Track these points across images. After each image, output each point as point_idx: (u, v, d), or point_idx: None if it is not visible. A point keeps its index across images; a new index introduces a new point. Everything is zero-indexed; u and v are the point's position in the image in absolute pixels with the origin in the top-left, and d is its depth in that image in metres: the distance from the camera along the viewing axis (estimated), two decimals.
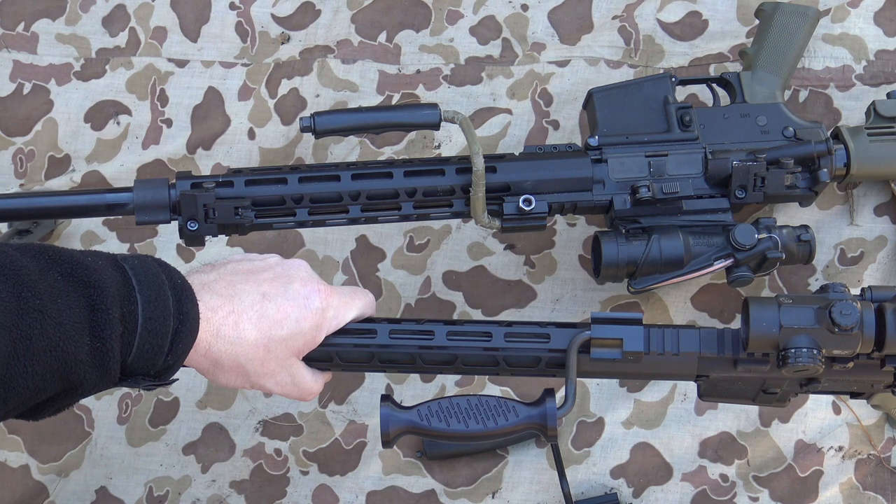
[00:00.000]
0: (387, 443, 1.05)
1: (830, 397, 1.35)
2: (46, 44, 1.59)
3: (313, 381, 1.09)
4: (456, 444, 1.34)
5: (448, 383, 1.40)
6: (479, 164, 1.23)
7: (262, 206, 1.26)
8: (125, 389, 1.41)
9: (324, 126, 1.23)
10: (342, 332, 1.08)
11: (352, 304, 1.08)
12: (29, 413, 0.96)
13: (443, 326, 1.09)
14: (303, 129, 1.24)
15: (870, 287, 1.05)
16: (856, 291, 1.35)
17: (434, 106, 1.24)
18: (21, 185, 1.54)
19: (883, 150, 1.34)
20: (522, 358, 1.08)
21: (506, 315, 1.43)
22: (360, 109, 1.21)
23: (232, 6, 1.59)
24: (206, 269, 1.06)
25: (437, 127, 1.25)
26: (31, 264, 0.92)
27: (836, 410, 1.35)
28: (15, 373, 0.89)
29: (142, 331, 0.95)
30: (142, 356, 0.96)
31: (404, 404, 1.06)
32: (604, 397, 1.38)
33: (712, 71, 1.47)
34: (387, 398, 1.06)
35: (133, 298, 0.95)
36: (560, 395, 1.06)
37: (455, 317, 1.43)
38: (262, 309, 1.03)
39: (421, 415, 1.03)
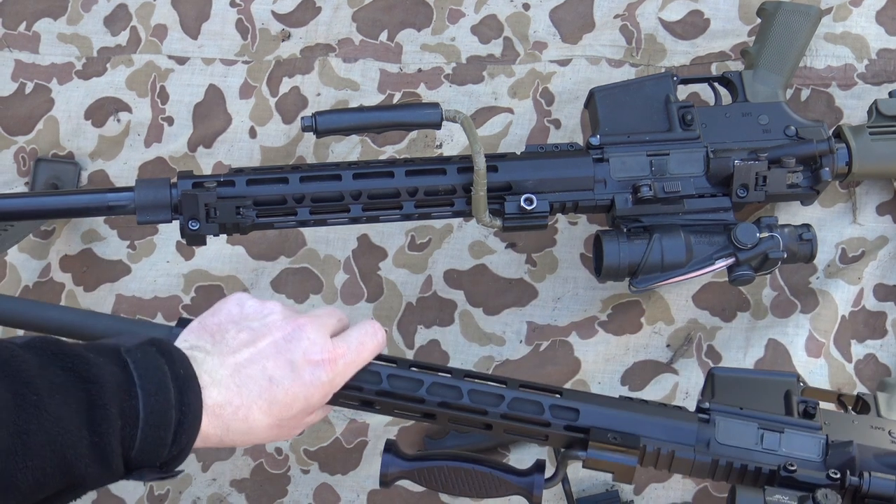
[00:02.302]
0: (384, 483, 1.12)
1: None
2: (48, 43, 1.59)
3: (318, 418, 1.13)
4: (457, 445, 1.35)
5: None
6: (480, 163, 1.23)
7: (263, 206, 1.26)
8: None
9: (325, 125, 1.23)
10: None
11: (360, 360, 1.09)
12: None
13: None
14: (304, 129, 1.24)
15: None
16: (854, 287, 1.37)
17: (435, 105, 1.24)
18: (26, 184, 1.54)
19: (885, 148, 1.34)
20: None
21: (506, 314, 1.43)
22: (361, 109, 1.21)
23: (232, 3, 1.59)
24: (205, 346, 1.05)
25: (438, 126, 1.25)
26: (32, 360, 0.93)
27: None
28: (13, 468, 0.90)
29: (143, 425, 0.96)
30: (145, 449, 0.96)
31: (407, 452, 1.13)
32: None
33: (714, 70, 1.46)
34: (391, 446, 1.12)
35: (133, 393, 0.96)
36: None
37: (456, 316, 1.43)
38: (271, 396, 1.03)
39: (419, 474, 1.12)
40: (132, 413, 0.95)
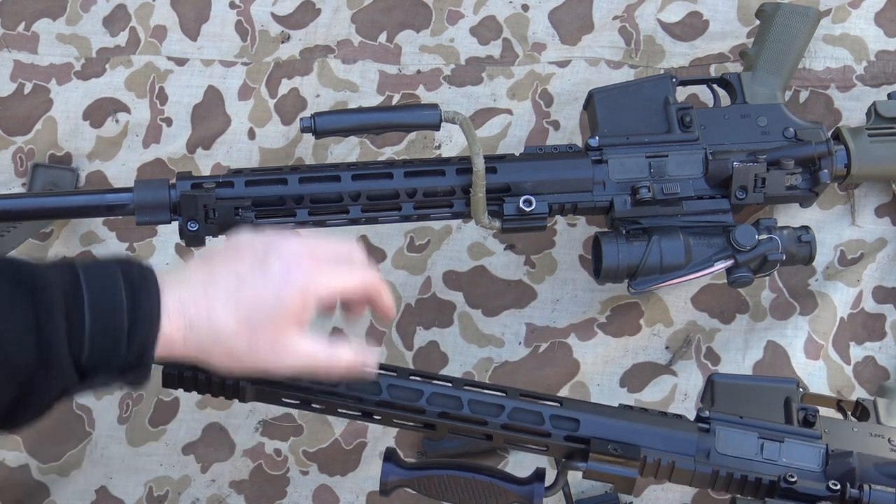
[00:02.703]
0: (384, 492, 1.11)
1: None
2: (47, 44, 1.59)
3: (320, 348, 1.03)
4: (456, 445, 1.35)
5: None
6: (479, 164, 1.23)
7: (262, 207, 1.26)
8: (126, 389, 1.42)
9: (324, 126, 1.23)
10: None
11: (345, 274, 1.04)
12: (4, 423, 0.96)
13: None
14: (303, 130, 1.24)
15: None
16: (853, 289, 1.37)
17: (434, 106, 1.24)
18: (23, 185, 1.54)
19: (884, 150, 1.34)
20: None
21: (505, 316, 1.43)
22: (360, 110, 1.21)
23: (232, 5, 1.59)
24: (194, 260, 1.03)
25: (437, 127, 1.25)
26: None
27: None
28: None
29: (91, 325, 0.94)
30: (95, 354, 0.95)
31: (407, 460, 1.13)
32: (604, 397, 1.38)
33: (713, 71, 1.46)
34: (391, 455, 1.12)
35: (79, 294, 0.94)
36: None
37: (455, 318, 1.43)
38: (238, 295, 0.99)
39: (419, 482, 1.12)
40: (78, 314, 0.94)
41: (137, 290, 0.96)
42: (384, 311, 1.09)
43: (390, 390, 1.11)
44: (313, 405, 1.13)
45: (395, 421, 1.13)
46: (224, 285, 0.99)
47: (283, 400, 1.13)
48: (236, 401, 1.24)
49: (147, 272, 0.98)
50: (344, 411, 1.13)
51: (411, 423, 1.13)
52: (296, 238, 1.03)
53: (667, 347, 1.39)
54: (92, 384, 0.97)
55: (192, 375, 1.11)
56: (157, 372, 1.12)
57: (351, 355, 1.04)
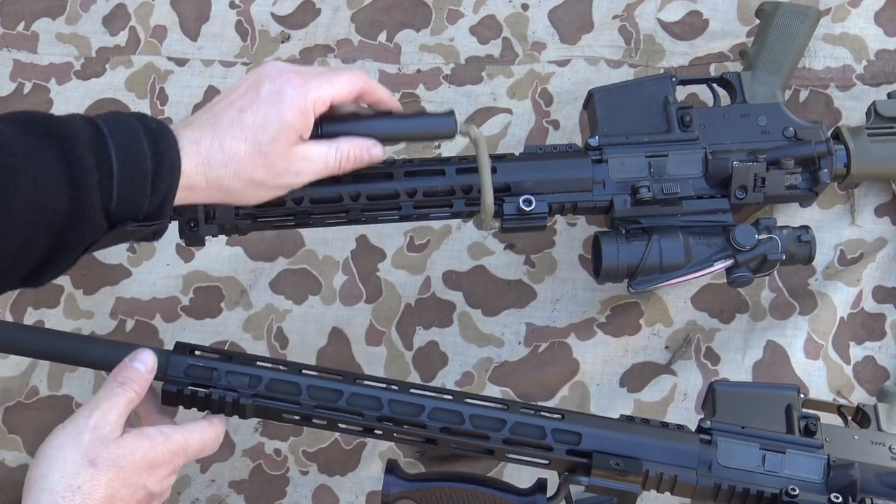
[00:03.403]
0: (386, 503, 1.13)
1: None
2: (47, 43, 1.59)
3: (329, 150, 1.11)
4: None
5: (448, 383, 1.40)
6: (488, 197, 1.20)
7: (262, 206, 1.26)
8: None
9: (330, 132, 1.22)
10: None
11: (332, 79, 1.10)
12: (30, 279, 1.00)
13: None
14: (310, 137, 1.23)
15: None
16: (853, 289, 1.37)
17: (450, 114, 1.19)
18: None
19: (883, 150, 1.34)
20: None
21: (505, 316, 1.43)
22: (371, 116, 1.19)
23: (232, 5, 1.59)
24: (196, 113, 1.09)
25: (452, 137, 1.22)
26: (4, 128, 0.96)
27: None
28: None
29: (118, 175, 0.98)
30: (124, 201, 0.99)
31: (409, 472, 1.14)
32: (604, 397, 1.38)
33: (713, 71, 1.46)
34: (393, 467, 1.13)
35: (105, 145, 0.98)
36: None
37: (455, 317, 1.43)
38: (242, 121, 1.05)
39: (421, 494, 1.13)
40: (106, 165, 0.97)
41: (157, 137, 1.01)
42: (384, 101, 1.15)
43: (391, 405, 1.12)
44: (314, 421, 1.14)
45: (396, 436, 1.13)
46: (227, 118, 1.06)
47: (285, 416, 1.13)
48: None
49: (161, 122, 1.03)
50: (345, 426, 1.13)
51: (413, 438, 1.13)
52: (280, 62, 1.10)
53: (666, 347, 1.39)
54: (117, 235, 1.00)
55: (191, 393, 1.11)
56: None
57: (353, 145, 1.12)
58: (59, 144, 0.96)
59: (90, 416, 1.03)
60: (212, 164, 1.04)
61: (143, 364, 1.08)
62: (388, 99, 1.16)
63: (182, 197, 1.04)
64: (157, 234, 1.05)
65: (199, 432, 1.09)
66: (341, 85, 1.11)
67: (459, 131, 1.19)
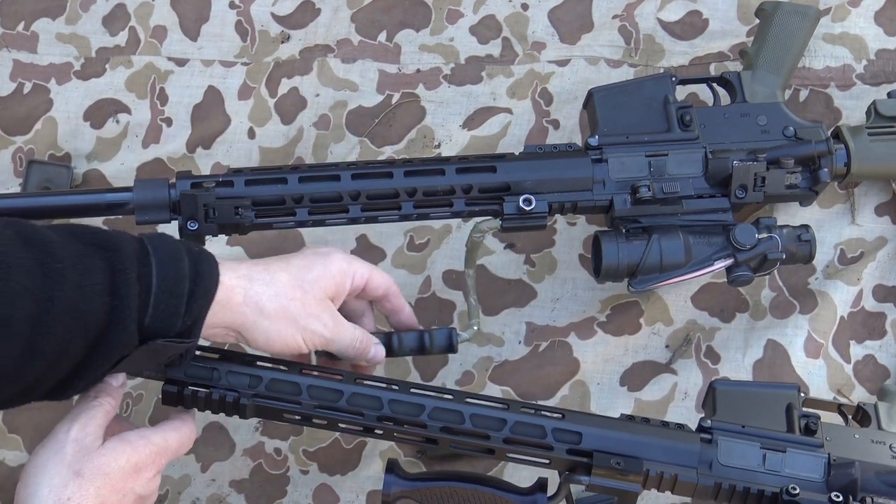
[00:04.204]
0: (387, 503, 1.14)
1: None
2: (46, 43, 1.59)
3: (353, 326, 1.17)
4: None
5: (448, 382, 1.40)
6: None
7: (262, 206, 1.26)
8: (127, 388, 1.42)
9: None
10: None
11: (371, 267, 1.18)
12: (56, 391, 1.02)
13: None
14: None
15: None
16: (853, 288, 1.37)
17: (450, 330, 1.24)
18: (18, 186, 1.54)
19: (883, 149, 1.34)
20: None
21: (505, 315, 1.43)
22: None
23: (232, 5, 1.59)
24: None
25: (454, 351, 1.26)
26: (54, 236, 0.99)
27: None
28: (37, 334, 0.95)
29: (157, 290, 1.01)
30: (158, 316, 1.01)
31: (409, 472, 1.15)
32: (604, 396, 1.38)
33: (712, 70, 1.46)
34: (393, 466, 1.14)
35: (148, 261, 1.01)
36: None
37: (455, 317, 1.43)
38: (288, 261, 1.13)
39: (421, 494, 1.14)
40: (146, 279, 1.01)
41: (198, 258, 1.04)
42: (402, 309, 1.22)
43: (391, 405, 1.12)
44: (315, 421, 1.14)
45: (396, 435, 1.14)
46: (276, 262, 1.13)
47: (285, 416, 1.13)
48: None
49: (204, 248, 1.07)
50: (345, 426, 1.13)
51: (413, 438, 1.13)
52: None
53: (667, 346, 1.39)
54: (148, 351, 1.02)
55: (191, 393, 1.11)
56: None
57: (367, 338, 1.18)
58: (105, 255, 0.99)
59: (69, 430, 1.05)
60: (253, 280, 1.09)
61: (114, 378, 1.09)
62: (406, 308, 1.23)
63: (215, 317, 1.06)
64: (185, 355, 1.07)
65: (175, 430, 1.10)
66: (379, 274, 1.19)
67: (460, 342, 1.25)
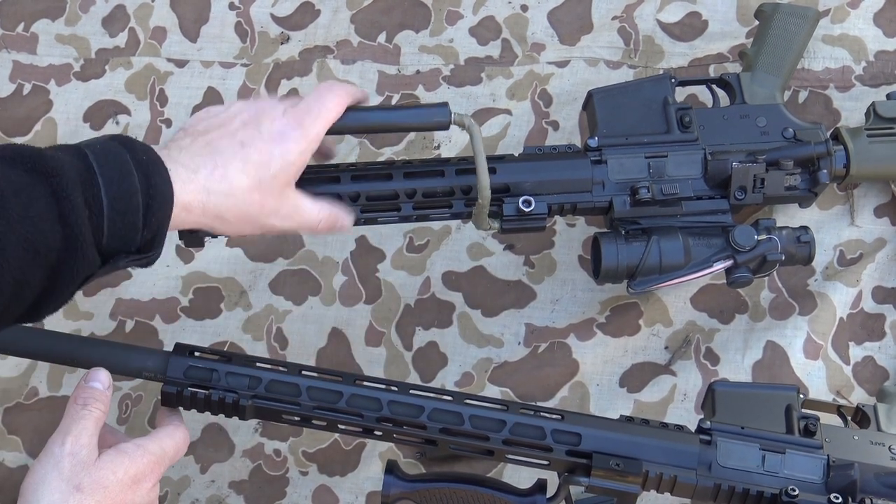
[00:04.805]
0: None
1: None
2: (46, 44, 1.59)
3: (315, 206, 1.15)
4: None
5: (448, 384, 1.40)
6: (484, 181, 1.21)
7: None
8: (126, 389, 1.42)
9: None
10: None
11: (323, 114, 1.12)
12: (26, 316, 0.99)
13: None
14: None
15: None
16: (852, 289, 1.37)
17: (444, 105, 1.20)
18: None
19: (883, 150, 1.34)
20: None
21: (505, 316, 1.43)
22: (367, 109, 1.20)
23: (231, 6, 1.59)
24: (180, 136, 1.09)
25: (447, 127, 1.23)
26: None
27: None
28: None
29: (109, 212, 0.98)
30: (115, 236, 0.99)
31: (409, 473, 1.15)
32: (604, 397, 1.38)
33: (712, 71, 1.46)
34: (392, 468, 1.13)
35: (94, 181, 0.98)
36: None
37: (454, 318, 1.43)
38: (245, 155, 1.07)
39: (421, 495, 1.13)
40: (96, 201, 0.97)
41: (148, 169, 1.01)
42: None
43: (391, 406, 1.12)
44: (314, 422, 1.14)
45: (395, 437, 1.14)
46: (229, 149, 1.07)
47: (284, 417, 1.13)
48: None
49: (151, 151, 1.03)
50: (345, 427, 1.13)
51: (412, 439, 1.13)
52: (271, 98, 1.13)
53: (666, 347, 1.40)
54: (110, 268, 1.00)
55: (191, 395, 1.11)
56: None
57: (333, 211, 1.17)
58: (47, 181, 0.96)
59: (63, 444, 1.04)
60: (211, 192, 1.05)
61: (100, 382, 1.09)
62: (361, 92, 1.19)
63: (175, 222, 1.04)
64: (148, 264, 1.05)
65: (169, 436, 1.10)
66: (330, 112, 1.13)
67: (453, 121, 1.19)
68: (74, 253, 0.96)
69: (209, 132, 1.08)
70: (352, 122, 1.18)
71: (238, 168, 1.07)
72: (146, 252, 1.02)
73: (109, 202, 0.98)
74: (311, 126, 1.11)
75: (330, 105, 1.13)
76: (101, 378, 1.09)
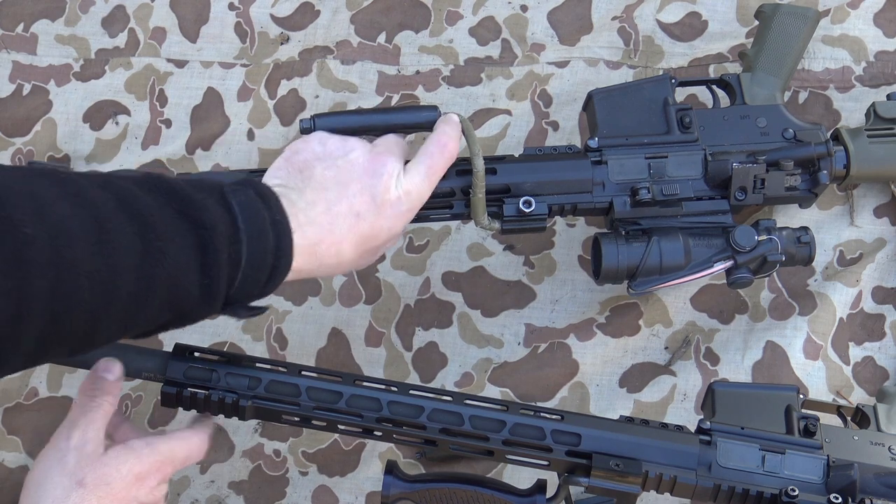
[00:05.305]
0: None
1: None
2: (46, 45, 1.59)
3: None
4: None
5: (447, 384, 1.40)
6: (479, 166, 1.23)
7: None
8: (126, 390, 1.42)
9: (324, 127, 1.23)
10: None
11: (432, 183, 1.16)
12: (133, 337, 1.02)
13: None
14: (303, 131, 1.24)
15: None
16: (852, 289, 1.37)
17: (434, 108, 1.24)
18: None
19: (883, 151, 1.34)
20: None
21: (504, 316, 1.43)
22: (360, 111, 1.21)
23: (231, 7, 1.59)
24: (297, 184, 1.10)
25: (435, 120, 1.24)
26: (150, 200, 0.97)
27: None
28: (137, 309, 0.95)
29: (244, 267, 1.01)
30: (241, 290, 1.02)
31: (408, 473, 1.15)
32: (604, 397, 1.38)
33: (712, 72, 1.47)
34: (392, 468, 1.14)
35: (238, 239, 1.01)
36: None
37: (454, 318, 1.43)
38: (359, 230, 1.10)
39: (420, 495, 1.14)
40: (236, 257, 1.00)
41: (280, 234, 1.04)
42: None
43: (390, 406, 1.12)
44: (314, 422, 1.14)
45: (395, 437, 1.14)
46: (346, 224, 1.10)
47: (284, 418, 1.13)
48: None
49: (281, 208, 1.05)
50: (345, 428, 1.13)
51: (412, 439, 1.13)
52: (384, 152, 1.14)
53: (666, 348, 1.40)
54: (226, 313, 1.04)
55: (190, 395, 1.11)
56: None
57: None
58: (199, 233, 0.98)
59: (70, 437, 1.05)
60: (322, 266, 1.09)
61: (110, 373, 1.09)
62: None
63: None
64: (257, 314, 1.07)
65: (184, 440, 1.10)
66: (440, 173, 1.17)
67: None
68: (208, 301, 0.99)
69: (328, 189, 1.10)
70: (346, 123, 1.18)
71: (351, 243, 1.10)
72: (258, 306, 1.05)
73: (247, 259, 1.01)
74: (420, 196, 1.15)
75: (438, 176, 1.17)
76: (112, 368, 1.10)
